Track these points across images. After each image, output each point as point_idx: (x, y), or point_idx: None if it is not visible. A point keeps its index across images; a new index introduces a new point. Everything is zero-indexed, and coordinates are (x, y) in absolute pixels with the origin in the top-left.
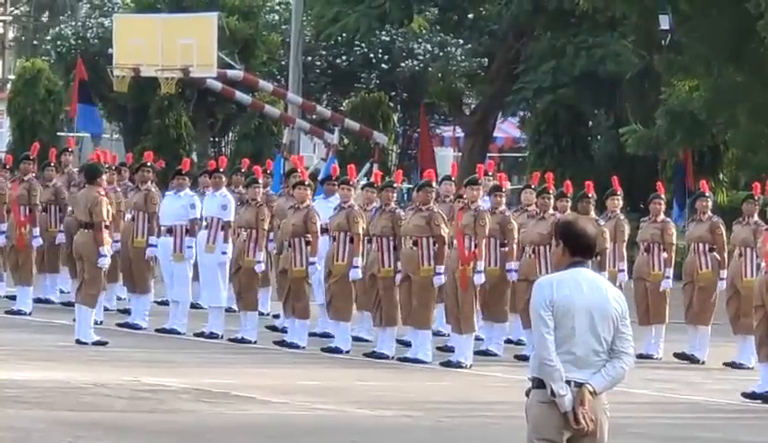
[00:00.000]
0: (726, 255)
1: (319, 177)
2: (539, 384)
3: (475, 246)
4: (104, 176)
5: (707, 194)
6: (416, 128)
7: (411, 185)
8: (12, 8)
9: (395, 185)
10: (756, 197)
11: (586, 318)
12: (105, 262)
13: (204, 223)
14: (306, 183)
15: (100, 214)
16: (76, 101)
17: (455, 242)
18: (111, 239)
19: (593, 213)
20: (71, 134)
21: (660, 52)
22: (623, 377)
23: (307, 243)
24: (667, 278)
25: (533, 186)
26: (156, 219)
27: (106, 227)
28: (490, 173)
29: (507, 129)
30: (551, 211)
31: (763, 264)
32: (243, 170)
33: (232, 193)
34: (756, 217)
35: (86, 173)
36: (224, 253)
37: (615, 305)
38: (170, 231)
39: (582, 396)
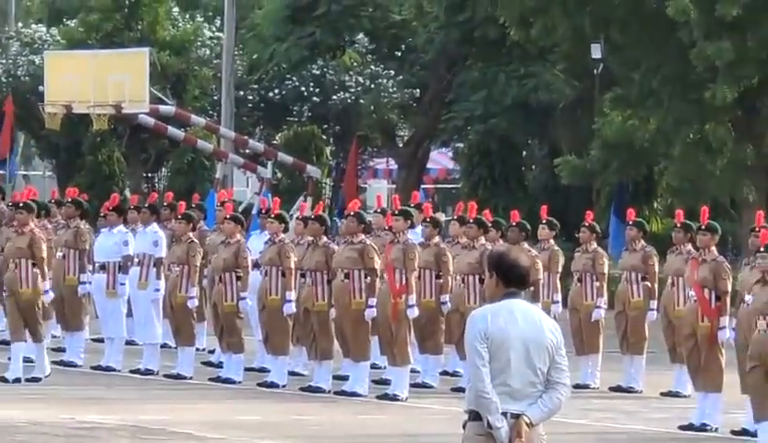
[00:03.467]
0: (656, 285)
1: (254, 212)
2: (475, 416)
3: (406, 280)
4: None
5: (631, 223)
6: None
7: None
8: None
9: (324, 218)
10: (679, 225)
11: (522, 350)
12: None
13: (136, 260)
14: (234, 217)
15: (39, 251)
16: (7, 139)
17: (386, 275)
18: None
19: (526, 244)
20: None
21: (592, 81)
22: (560, 408)
23: (238, 277)
24: (599, 307)
25: (455, 218)
26: (87, 255)
27: (39, 265)
28: (412, 204)
29: (441, 161)
30: (482, 241)
31: (692, 293)
32: (165, 204)
33: (163, 229)
34: (689, 246)
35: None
36: (157, 290)
37: (550, 335)
38: (103, 267)
39: (519, 427)
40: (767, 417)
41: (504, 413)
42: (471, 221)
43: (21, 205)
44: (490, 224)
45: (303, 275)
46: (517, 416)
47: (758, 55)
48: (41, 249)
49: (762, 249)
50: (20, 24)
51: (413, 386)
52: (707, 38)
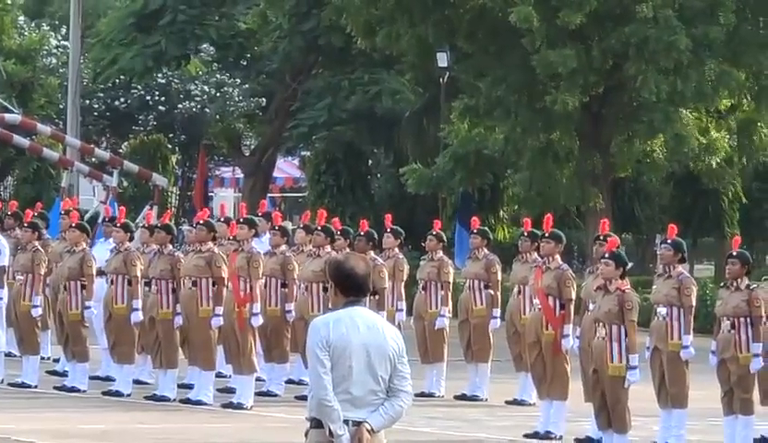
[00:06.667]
0: (499, 292)
1: (99, 220)
2: (317, 424)
3: (250, 289)
4: None
5: (475, 231)
6: (195, 170)
7: (189, 227)
8: None
9: (171, 226)
10: (526, 234)
11: (363, 357)
12: None
13: None
14: (80, 225)
15: None
16: None
17: (230, 284)
18: None
19: (372, 252)
20: None
21: (438, 89)
22: (401, 415)
23: (83, 286)
24: (443, 316)
25: (301, 226)
26: None
27: None
28: (260, 213)
29: (287, 169)
30: (327, 249)
31: (536, 301)
32: (9, 213)
33: (7, 237)
34: (536, 254)
35: None
36: (0, 298)
37: (392, 343)
38: None
39: (361, 435)
40: (605, 428)
41: (346, 421)
42: (319, 228)
43: None
44: (338, 233)
45: (148, 283)
46: (358, 424)
47: (602, 64)
48: None
49: (605, 256)
50: None
51: (258, 394)
52: (550, 46)
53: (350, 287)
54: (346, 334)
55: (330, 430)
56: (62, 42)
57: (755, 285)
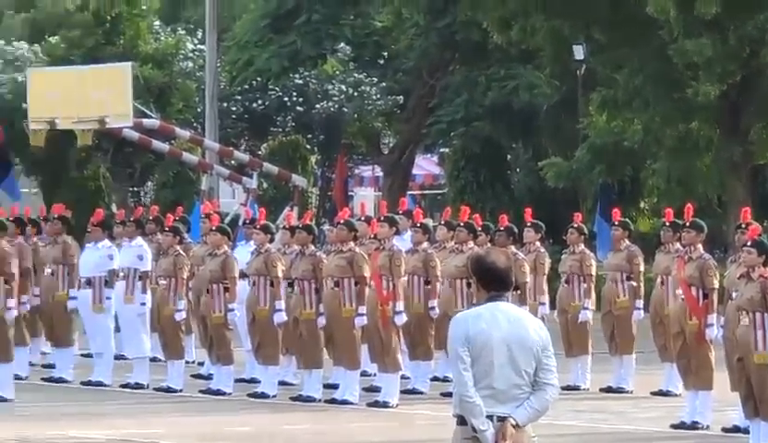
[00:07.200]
0: (641, 284)
1: (240, 223)
2: (462, 421)
3: (393, 287)
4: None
5: (616, 223)
6: (335, 169)
7: (330, 227)
8: None
9: (312, 227)
10: (668, 224)
11: (505, 352)
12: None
13: (121, 274)
14: (220, 228)
15: (9, 268)
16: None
17: (373, 282)
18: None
19: (513, 247)
20: None
21: (575, 82)
22: (547, 409)
23: (226, 289)
24: (586, 309)
25: (443, 222)
26: (75, 271)
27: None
28: (401, 211)
29: (426, 166)
30: (470, 245)
31: (679, 291)
32: (150, 218)
33: (149, 242)
34: (678, 245)
35: None
36: (143, 304)
37: (535, 336)
38: (89, 282)
39: (505, 430)
40: (753, 416)
41: (490, 416)
42: (461, 224)
43: None
44: (480, 229)
45: (290, 284)
46: (503, 419)
47: (739, 52)
48: (10, 265)
49: (747, 244)
50: (2, 42)
51: (403, 392)
52: (687, 36)
53: (491, 281)
54: (487, 329)
55: (473, 426)
56: (198, 46)
57: None
